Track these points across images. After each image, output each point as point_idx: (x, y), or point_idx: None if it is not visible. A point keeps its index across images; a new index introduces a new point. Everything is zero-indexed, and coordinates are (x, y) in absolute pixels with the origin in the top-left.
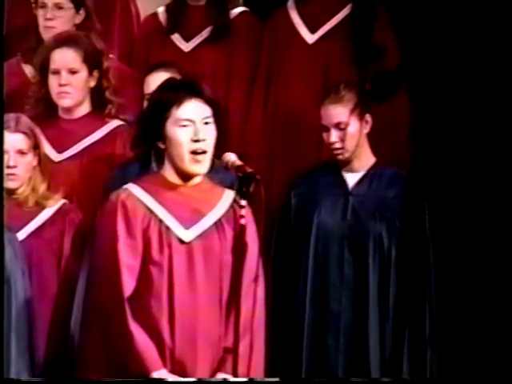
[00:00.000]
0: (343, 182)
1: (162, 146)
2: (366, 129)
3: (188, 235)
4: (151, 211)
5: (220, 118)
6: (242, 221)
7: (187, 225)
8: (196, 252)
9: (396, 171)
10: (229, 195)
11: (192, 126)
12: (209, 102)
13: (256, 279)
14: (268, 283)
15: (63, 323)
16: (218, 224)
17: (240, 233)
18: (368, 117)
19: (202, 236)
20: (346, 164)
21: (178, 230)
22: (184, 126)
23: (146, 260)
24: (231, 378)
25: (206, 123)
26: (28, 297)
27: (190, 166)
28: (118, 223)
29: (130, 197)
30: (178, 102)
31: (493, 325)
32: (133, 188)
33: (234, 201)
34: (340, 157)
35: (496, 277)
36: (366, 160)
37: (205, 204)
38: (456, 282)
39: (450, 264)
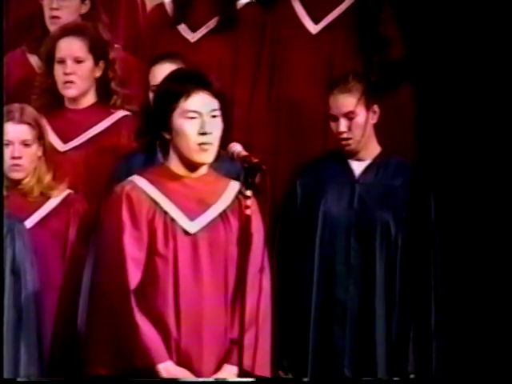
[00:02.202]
0: (349, 171)
1: (167, 136)
2: (374, 119)
3: (193, 227)
4: (156, 203)
5: (227, 112)
6: (248, 211)
7: (192, 216)
8: (201, 243)
9: (401, 161)
10: (234, 186)
11: (199, 118)
12: (217, 94)
13: (262, 270)
14: (273, 273)
15: (69, 315)
16: (223, 215)
17: (245, 223)
18: (376, 107)
19: (207, 227)
20: (353, 154)
21: (183, 221)
22: (191, 117)
23: (152, 252)
24: (235, 379)
25: (214, 116)
26: (37, 289)
27: (196, 155)
28: (123, 215)
29: (135, 188)
30: (187, 93)
31: (500, 315)
32: (138, 180)
33: (240, 192)
34: (348, 147)
35: (503, 268)
36: (372, 149)
37: (210, 195)
38: (462, 272)
39: (456, 254)
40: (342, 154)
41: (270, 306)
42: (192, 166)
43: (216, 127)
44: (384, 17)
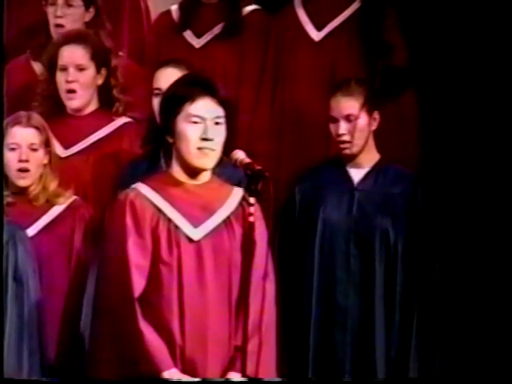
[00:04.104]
0: (348, 178)
1: (170, 140)
2: (374, 126)
3: (197, 234)
4: (160, 210)
5: (232, 120)
6: (251, 218)
7: (196, 223)
8: (205, 250)
9: (400, 168)
10: (238, 193)
11: (202, 123)
12: (222, 102)
13: (266, 276)
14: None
15: (74, 320)
16: (226, 222)
17: (249, 230)
18: (376, 114)
19: (211, 234)
20: (351, 159)
21: (187, 228)
22: (194, 122)
23: (156, 259)
24: (239, 378)
25: (217, 123)
26: (40, 296)
27: (195, 159)
28: (127, 223)
29: (139, 196)
30: (192, 98)
31: (499, 321)
32: (141, 187)
33: (243, 198)
34: (347, 151)
35: (501, 273)
36: (370, 156)
37: (213, 202)
38: (461, 279)
39: (456, 261)
40: (341, 160)
41: (274, 312)
42: (192, 172)
43: (219, 134)
44: (387, 24)
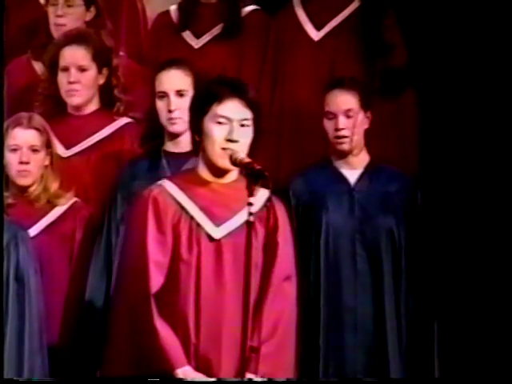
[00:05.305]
0: (344, 179)
1: (197, 138)
2: (366, 125)
3: (218, 232)
4: (182, 207)
5: (259, 123)
6: (251, 218)
7: (218, 222)
8: (225, 249)
9: (391, 168)
10: (262, 194)
11: (228, 124)
12: (251, 104)
13: (287, 279)
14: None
15: (75, 318)
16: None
17: (249, 231)
18: (369, 113)
19: (232, 234)
20: (343, 158)
21: (209, 226)
22: (220, 123)
23: (175, 256)
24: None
25: (243, 125)
26: (41, 295)
27: (220, 159)
28: (149, 219)
29: (162, 193)
30: (220, 98)
31: (502, 317)
32: (166, 184)
33: (268, 199)
34: (344, 146)
35: (501, 270)
36: (361, 157)
37: (237, 202)
38: (464, 277)
39: (456, 259)
40: (331, 162)
41: (294, 314)
42: (217, 172)
43: (244, 136)
44: (387, 23)
